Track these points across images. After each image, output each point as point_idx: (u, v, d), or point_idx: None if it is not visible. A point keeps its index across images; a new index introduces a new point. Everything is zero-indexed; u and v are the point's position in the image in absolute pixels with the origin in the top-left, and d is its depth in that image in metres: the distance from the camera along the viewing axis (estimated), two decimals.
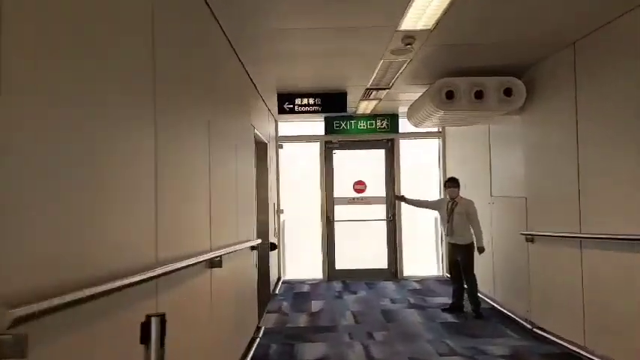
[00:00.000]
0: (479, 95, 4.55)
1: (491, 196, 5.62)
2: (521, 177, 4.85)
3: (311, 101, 5.51)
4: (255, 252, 4.67)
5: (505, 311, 5.21)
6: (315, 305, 5.96)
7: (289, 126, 7.67)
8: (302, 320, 5.30)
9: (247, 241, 4.10)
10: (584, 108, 3.77)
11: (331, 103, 5.54)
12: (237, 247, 3.57)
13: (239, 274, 3.89)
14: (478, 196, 5.55)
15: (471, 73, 4.60)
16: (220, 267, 2.80)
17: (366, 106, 6.46)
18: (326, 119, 7.34)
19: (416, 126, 5.67)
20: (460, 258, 5.32)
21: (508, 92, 4.55)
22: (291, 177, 7.74)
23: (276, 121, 7.53)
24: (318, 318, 5.38)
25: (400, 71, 4.63)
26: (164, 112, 2.05)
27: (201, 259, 2.44)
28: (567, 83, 3.96)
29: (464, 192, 6.54)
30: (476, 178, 5.71)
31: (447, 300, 5.90)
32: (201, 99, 2.82)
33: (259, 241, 4.63)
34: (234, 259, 3.62)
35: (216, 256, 2.77)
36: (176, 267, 2.03)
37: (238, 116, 4.03)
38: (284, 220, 7.69)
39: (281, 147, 7.61)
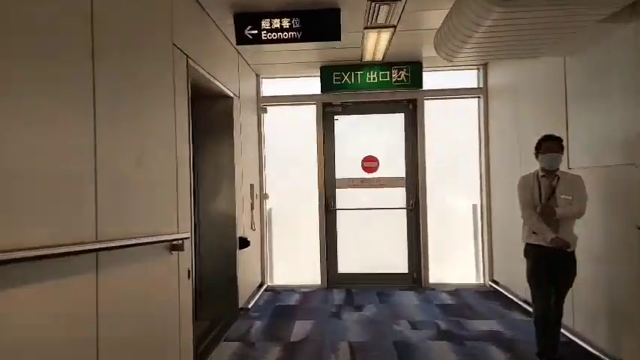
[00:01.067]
0: None
1: (570, 168, 3.59)
2: (632, 133, 2.82)
3: (285, 23, 3.61)
4: (180, 253, 2.83)
5: (596, 352, 3.20)
6: (299, 329, 4.08)
7: (276, 84, 5.79)
8: (271, 357, 3.44)
9: (140, 237, 2.25)
10: None
11: (317, 27, 3.62)
12: (85, 247, 1.73)
13: (108, 295, 2.06)
14: None
15: None
16: None
17: (376, 43, 4.50)
18: (322, 71, 5.42)
19: (449, 58, 3.68)
20: (561, 275, 3.02)
21: None
22: (279, 152, 5.86)
23: (257, 76, 5.67)
24: (296, 354, 3.51)
25: None
26: None
27: None
28: None
29: (517, 167, 4.52)
30: None
31: (495, 325, 3.94)
32: None
33: (184, 235, 2.77)
34: (83, 268, 1.78)
35: None
36: None
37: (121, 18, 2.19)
38: (270, 208, 5.85)
39: (264, 111, 5.74)
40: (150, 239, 2.28)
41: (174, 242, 2.71)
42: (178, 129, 2.92)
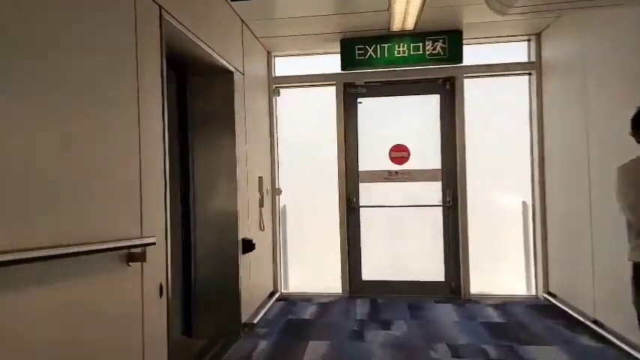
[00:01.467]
0: None
1: None
2: None
3: None
4: (143, 264, 2.13)
5: None
6: (312, 353, 3.34)
7: (290, 62, 5.05)
8: None
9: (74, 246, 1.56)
10: None
11: None
12: None
13: None
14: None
15: None
16: None
17: (407, 4, 3.68)
18: (343, 44, 4.63)
19: (503, 10, 2.82)
20: None
21: None
22: (295, 140, 5.12)
23: (268, 54, 4.95)
24: None
25: None
26: None
27: None
28: None
29: (583, 158, 3.62)
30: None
31: (559, 353, 3.07)
32: None
33: (146, 240, 2.07)
34: None
35: None
36: None
37: None
38: (284, 205, 5.12)
39: (277, 93, 5.01)
40: (63, 250, 1.57)
41: (132, 250, 2.01)
42: (142, 102, 2.21)
